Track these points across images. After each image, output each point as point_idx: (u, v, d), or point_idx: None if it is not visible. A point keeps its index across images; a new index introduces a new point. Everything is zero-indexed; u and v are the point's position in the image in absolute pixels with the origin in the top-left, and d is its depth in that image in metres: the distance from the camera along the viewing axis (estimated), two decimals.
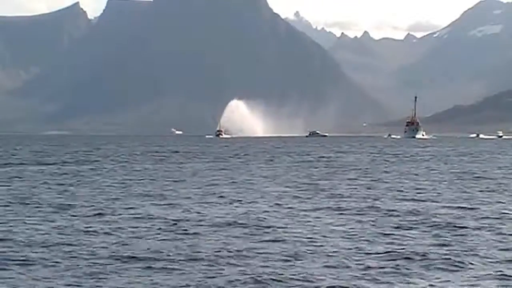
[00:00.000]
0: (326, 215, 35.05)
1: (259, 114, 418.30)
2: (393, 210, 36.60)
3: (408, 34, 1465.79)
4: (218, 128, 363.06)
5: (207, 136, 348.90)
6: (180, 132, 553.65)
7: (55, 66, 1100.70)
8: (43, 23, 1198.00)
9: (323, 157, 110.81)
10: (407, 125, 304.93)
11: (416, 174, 67.41)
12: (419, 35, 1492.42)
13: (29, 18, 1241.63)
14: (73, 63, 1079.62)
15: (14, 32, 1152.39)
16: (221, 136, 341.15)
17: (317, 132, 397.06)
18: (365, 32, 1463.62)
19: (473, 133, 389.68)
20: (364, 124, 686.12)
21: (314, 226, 31.18)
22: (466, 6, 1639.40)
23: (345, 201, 41.43)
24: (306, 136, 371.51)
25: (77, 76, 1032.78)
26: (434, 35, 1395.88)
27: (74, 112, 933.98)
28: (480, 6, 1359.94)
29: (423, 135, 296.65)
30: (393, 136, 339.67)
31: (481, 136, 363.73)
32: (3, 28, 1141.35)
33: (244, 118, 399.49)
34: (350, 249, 25.47)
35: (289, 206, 38.86)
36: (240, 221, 32.30)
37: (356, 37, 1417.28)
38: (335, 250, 25.19)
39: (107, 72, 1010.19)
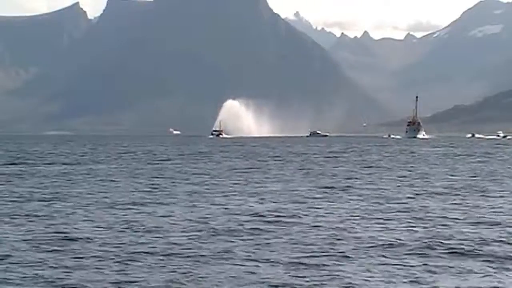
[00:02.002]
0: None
1: (263, 114, 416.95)
2: None
3: (408, 34, 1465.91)
4: (215, 128, 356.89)
5: (209, 136, 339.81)
6: (178, 132, 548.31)
7: (55, 66, 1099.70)
8: (43, 23, 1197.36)
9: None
10: (408, 125, 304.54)
11: None
12: (419, 35, 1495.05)
13: (29, 18, 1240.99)
14: (73, 63, 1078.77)
15: (14, 32, 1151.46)
16: (221, 136, 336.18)
17: (318, 132, 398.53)
18: (365, 32, 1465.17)
19: (469, 133, 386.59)
20: (364, 124, 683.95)
21: None
22: (466, 6, 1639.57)
23: None
24: (307, 136, 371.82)
25: (77, 76, 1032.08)
26: (434, 35, 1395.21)
27: (74, 112, 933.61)
28: (480, 6, 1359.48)
29: (424, 135, 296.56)
30: (393, 136, 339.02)
31: (476, 135, 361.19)
32: (3, 28, 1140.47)
33: (243, 118, 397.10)
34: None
35: None
36: None
37: (356, 37, 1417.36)
38: None
39: (107, 72, 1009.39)
